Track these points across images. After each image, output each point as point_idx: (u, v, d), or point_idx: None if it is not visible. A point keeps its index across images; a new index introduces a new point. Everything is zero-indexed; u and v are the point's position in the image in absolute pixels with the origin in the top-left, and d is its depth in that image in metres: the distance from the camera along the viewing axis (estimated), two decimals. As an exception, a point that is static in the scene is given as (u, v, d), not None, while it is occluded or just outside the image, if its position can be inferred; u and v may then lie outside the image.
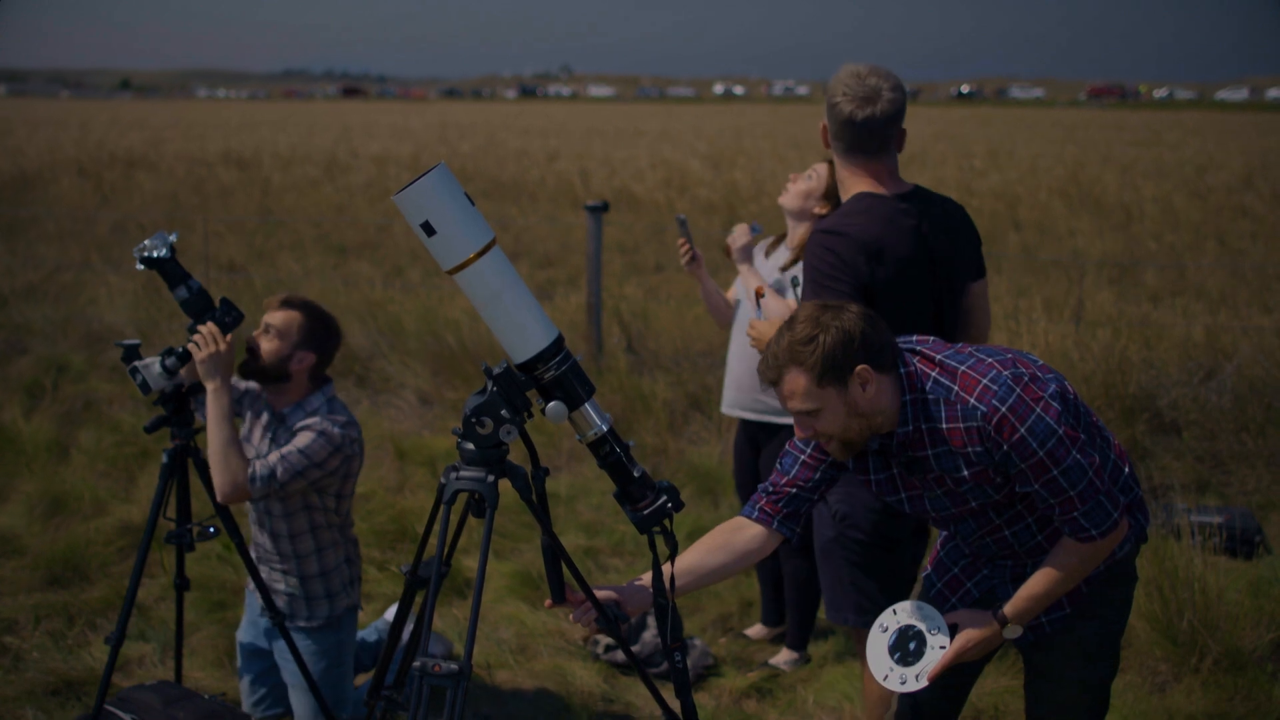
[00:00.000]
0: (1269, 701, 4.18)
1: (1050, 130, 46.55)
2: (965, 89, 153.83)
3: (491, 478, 2.44)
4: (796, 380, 2.46)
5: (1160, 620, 4.43)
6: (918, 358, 2.61)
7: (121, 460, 6.62)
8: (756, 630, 4.83)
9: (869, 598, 3.49)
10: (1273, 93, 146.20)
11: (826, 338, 2.43)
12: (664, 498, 2.52)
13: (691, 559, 2.68)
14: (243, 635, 4.05)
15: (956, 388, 2.52)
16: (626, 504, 2.54)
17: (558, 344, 2.43)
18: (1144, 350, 7.39)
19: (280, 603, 3.85)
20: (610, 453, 2.50)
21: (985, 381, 2.51)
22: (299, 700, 3.89)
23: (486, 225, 2.40)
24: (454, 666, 2.31)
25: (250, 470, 3.54)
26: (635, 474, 2.51)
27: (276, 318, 3.75)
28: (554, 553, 2.54)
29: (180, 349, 3.54)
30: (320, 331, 3.78)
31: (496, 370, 2.43)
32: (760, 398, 4.37)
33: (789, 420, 4.16)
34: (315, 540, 3.80)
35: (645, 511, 2.52)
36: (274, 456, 3.59)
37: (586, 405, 2.46)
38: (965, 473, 2.59)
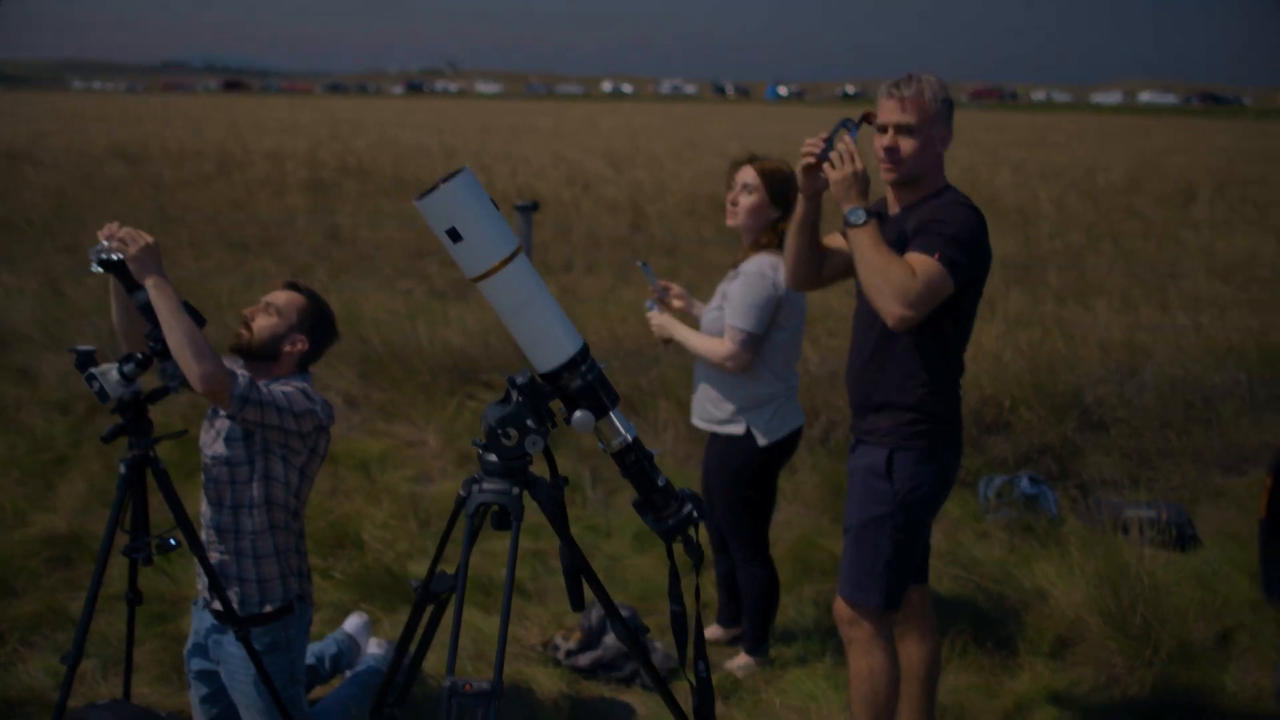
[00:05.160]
0: (1221, 691, 4.30)
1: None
2: (850, 89, 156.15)
3: (516, 490, 2.38)
4: None
5: (1113, 615, 4.52)
6: None
7: (37, 468, 6.36)
8: (713, 631, 4.82)
9: (900, 582, 3.49)
10: (1144, 96, 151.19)
11: None
12: (689, 506, 2.49)
13: None
14: (191, 656, 3.87)
15: None
16: (649, 513, 2.50)
17: (584, 351, 2.38)
18: (1066, 350, 7.56)
19: (233, 598, 3.65)
20: (635, 462, 2.45)
21: None
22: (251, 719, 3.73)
23: (511, 232, 2.34)
24: (485, 685, 2.25)
25: (232, 370, 3.38)
26: (660, 483, 2.47)
27: (279, 297, 3.63)
28: (574, 564, 2.49)
29: (139, 355, 3.39)
30: (319, 321, 3.66)
31: (520, 380, 2.37)
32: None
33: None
34: (269, 517, 3.60)
35: (670, 521, 2.48)
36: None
37: (612, 414, 2.42)
38: None
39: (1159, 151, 34.10)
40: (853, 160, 3.24)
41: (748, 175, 4.26)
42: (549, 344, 2.36)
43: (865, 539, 3.46)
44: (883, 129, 3.34)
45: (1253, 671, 4.41)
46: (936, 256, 3.15)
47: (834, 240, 3.66)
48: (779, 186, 4.25)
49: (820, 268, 3.65)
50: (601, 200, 17.69)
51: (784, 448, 4.36)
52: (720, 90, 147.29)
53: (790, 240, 3.60)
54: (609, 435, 2.44)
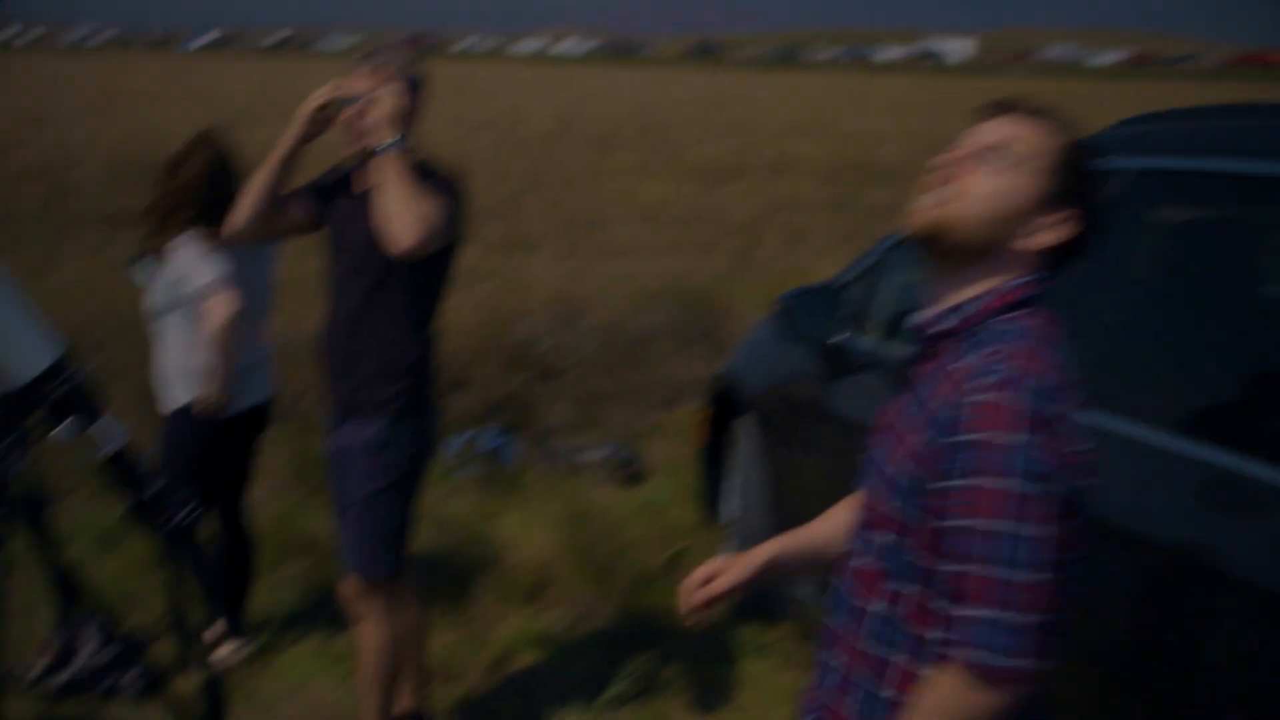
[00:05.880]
0: (673, 611, 4.72)
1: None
2: (284, 35, 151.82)
3: None
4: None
5: (580, 556, 4.83)
6: (1037, 315, 1.85)
7: None
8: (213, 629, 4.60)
9: (406, 543, 3.57)
10: (565, 45, 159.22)
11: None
12: (189, 506, 2.37)
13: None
14: None
15: (1015, 357, 1.76)
16: (147, 519, 2.35)
17: (68, 356, 2.19)
18: (516, 302, 7.90)
19: None
20: (128, 468, 2.30)
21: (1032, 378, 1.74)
22: None
23: None
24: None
25: None
26: (157, 485, 2.33)
27: None
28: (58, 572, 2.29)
29: None
30: None
31: None
32: None
33: None
34: None
35: (171, 524, 2.35)
36: None
37: (103, 419, 2.25)
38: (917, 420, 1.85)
39: (576, 100, 36.15)
40: (396, 100, 3.31)
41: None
42: (22, 352, 2.14)
43: (371, 512, 3.47)
44: (349, 101, 3.35)
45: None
46: (444, 200, 3.30)
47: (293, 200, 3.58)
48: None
49: (271, 215, 3.53)
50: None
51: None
52: (137, 38, 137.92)
53: (265, 178, 3.45)
54: (98, 443, 2.27)
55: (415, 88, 3.47)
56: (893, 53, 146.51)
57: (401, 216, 3.18)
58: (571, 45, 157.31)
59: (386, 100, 3.32)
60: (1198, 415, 2.68)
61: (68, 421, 2.21)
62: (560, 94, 40.14)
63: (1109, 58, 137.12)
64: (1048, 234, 1.83)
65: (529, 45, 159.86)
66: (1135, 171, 3.03)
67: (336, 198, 3.54)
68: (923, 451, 1.76)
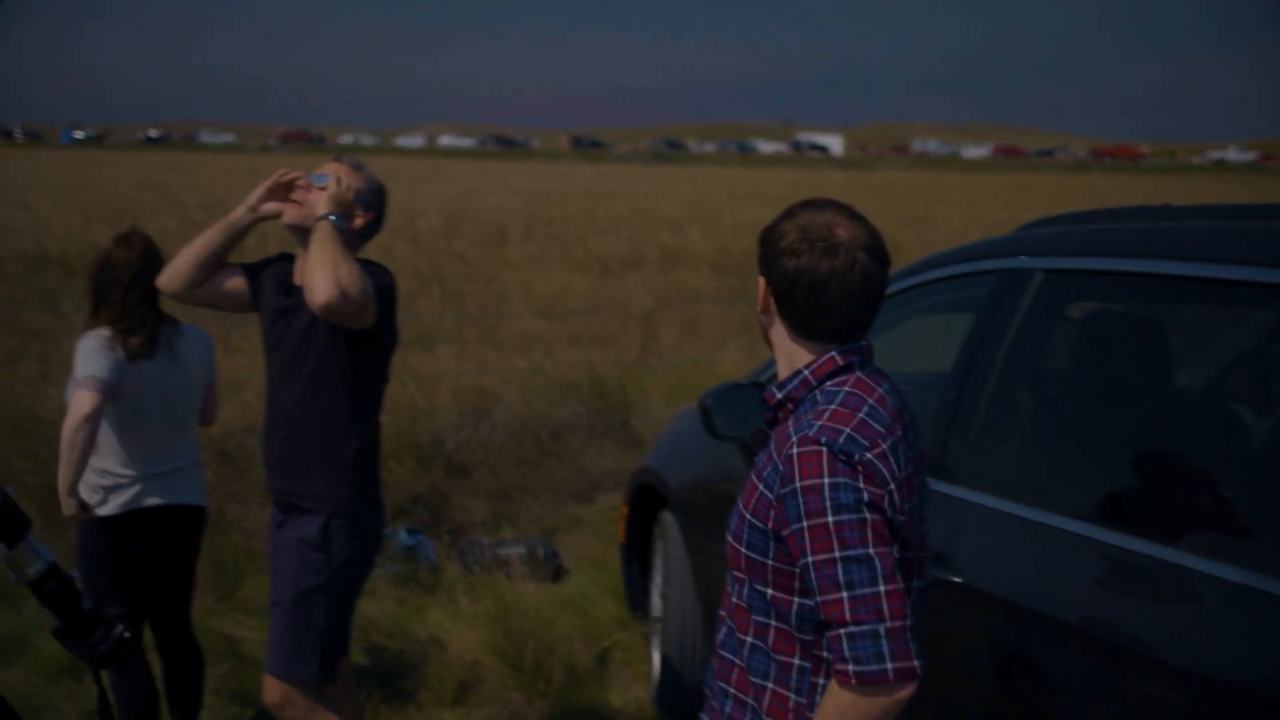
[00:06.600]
0: (608, 708, 4.74)
1: (245, 176, 45.94)
2: (154, 133, 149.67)
3: None
4: None
5: (506, 652, 4.81)
6: (855, 375, 2.16)
7: None
8: None
9: (336, 651, 3.52)
10: (445, 139, 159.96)
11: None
12: (119, 627, 2.32)
13: None
14: None
15: (821, 416, 2.07)
16: (74, 640, 2.30)
17: None
18: (422, 399, 7.89)
19: None
20: (55, 588, 2.25)
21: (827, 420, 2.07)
22: None
23: None
24: None
25: None
26: (85, 606, 2.29)
27: None
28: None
29: None
30: None
31: None
32: None
33: None
34: None
35: (102, 647, 2.30)
36: None
37: (27, 539, 2.20)
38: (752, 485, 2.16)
39: (467, 193, 36.29)
40: (350, 188, 3.50)
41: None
42: None
43: (300, 611, 3.43)
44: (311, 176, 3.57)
45: (631, 685, 4.91)
46: (370, 279, 3.36)
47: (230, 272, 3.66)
48: None
49: (210, 278, 3.64)
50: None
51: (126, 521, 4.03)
52: (7, 134, 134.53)
53: (210, 237, 3.59)
54: (25, 564, 2.22)
55: (375, 192, 3.56)
56: (772, 146, 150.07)
57: (323, 270, 3.22)
58: (453, 140, 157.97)
59: (341, 181, 3.46)
60: (1110, 502, 2.85)
61: None
62: (451, 186, 40.23)
63: (978, 151, 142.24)
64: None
65: (411, 140, 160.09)
66: (1044, 271, 3.22)
67: (273, 285, 3.57)
68: (764, 502, 2.09)
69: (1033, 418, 3.26)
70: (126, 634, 2.34)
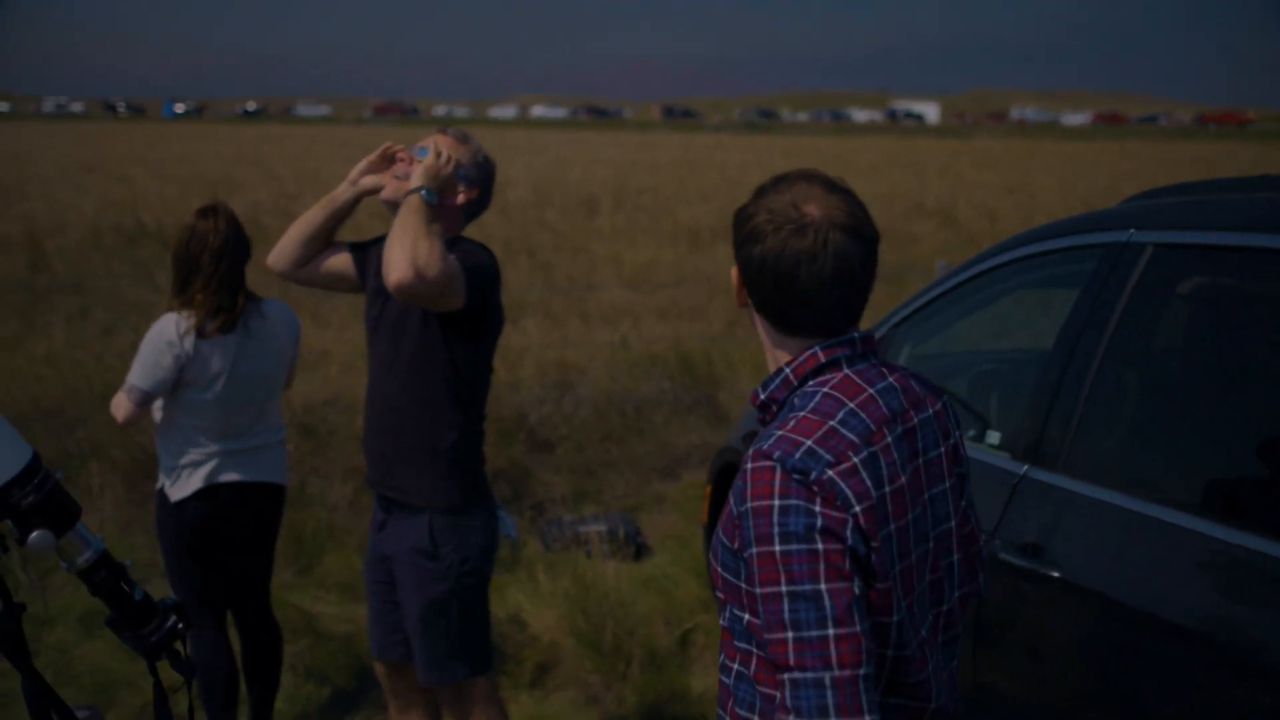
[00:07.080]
0: (688, 694, 4.62)
1: (339, 148, 46.58)
2: (251, 106, 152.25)
3: None
4: None
5: (585, 634, 4.72)
6: (842, 373, 1.90)
7: None
8: None
9: (481, 635, 3.42)
10: (537, 110, 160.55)
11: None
12: (173, 618, 2.24)
13: None
14: None
15: (784, 426, 1.83)
16: (126, 631, 2.22)
17: (36, 461, 2.07)
18: (506, 373, 7.82)
19: None
20: (106, 578, 2.18)
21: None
22: None
23: None
24: None
25: None
26: (137, 597, 2.21)
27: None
28: (38, 697, 2.17)
29: None
30: None
31: None
32: None
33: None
34: None
35: (154, 638, 2.22)
36: None
37: (78, 527, 2.13)
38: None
39: (558, 164, 36.29)
40: (450, 161, 3.31)
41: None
42: None
43: (430, 622, 3.33)
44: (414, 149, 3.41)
45: (712, 670, 4.79)
46: (458, 260, 3.15)
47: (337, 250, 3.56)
48: None
49: (315, 256, 3.54)
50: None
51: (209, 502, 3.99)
52: (111, 109, 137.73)
53: (315, 216, 3.49)
54: (74, 553, 2.15)
55: (479, 166, 3.40)
56: (866, 115, 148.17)
57: (401, 247, 3.03)
58: (545, 110, 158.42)
59: (441, 154, 3.29)
60: (1224, 495, 2.66)
61: (36, 534, 2.08)
62: (540, 157, 40.27)
63: (1078, 118, 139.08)
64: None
65: (504, 111, 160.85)
66: (1155, 245, 3.02)
67: (376, 264, 3.38)
68: (730, 518, 1.82)
69: (1141, 402, 3.07)
70: (180, 625, 2.26)
